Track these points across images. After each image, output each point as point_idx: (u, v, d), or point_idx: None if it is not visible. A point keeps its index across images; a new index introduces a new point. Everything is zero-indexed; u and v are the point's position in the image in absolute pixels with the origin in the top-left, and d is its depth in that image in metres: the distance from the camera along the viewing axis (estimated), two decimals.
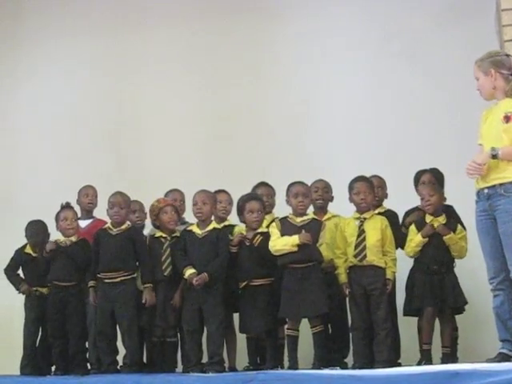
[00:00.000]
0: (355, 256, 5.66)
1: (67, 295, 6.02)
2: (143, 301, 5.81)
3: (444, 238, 5.72)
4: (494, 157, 4.78)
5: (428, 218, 5.82)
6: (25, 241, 6.41)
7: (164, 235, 6.02)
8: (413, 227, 5.86)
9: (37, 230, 6.34)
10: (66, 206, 6.22)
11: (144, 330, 5.93)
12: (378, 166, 6.57)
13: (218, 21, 7.86)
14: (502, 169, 4.79)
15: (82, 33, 8.06)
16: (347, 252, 5.71)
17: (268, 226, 5.76)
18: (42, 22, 8.20)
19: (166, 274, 5.90)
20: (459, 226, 5.81)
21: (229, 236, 5.90)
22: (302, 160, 7.27)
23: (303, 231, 5.47)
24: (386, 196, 6.26)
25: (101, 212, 6.39)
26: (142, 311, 5.86)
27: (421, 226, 5.81)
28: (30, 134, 8.07)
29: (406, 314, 5.91)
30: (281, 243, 5.51)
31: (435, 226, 5.74)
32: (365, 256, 5.63)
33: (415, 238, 5.79)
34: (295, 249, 5.44)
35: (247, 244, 5.77)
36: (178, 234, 6.03)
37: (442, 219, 5.80)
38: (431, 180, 6.09)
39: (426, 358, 5.62)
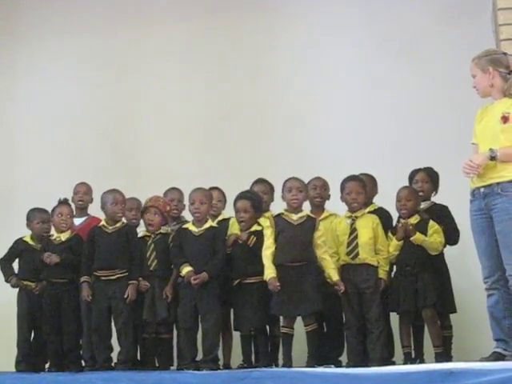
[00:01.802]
0: (347, 254, 5.64)
1: (62, 292, 6.00)
2: (125, 295, 5.78)
3: (411, 239, 5.66)
4: (493, 158, 4.74)
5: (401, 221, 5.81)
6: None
7: (148, 234, 6.04)
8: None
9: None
10: (63, 202, 6.24)
11: (138, 326, 5.91)
12: (378, 165, 6.56)
13: (218, 19, 7.85)
14: (500, 168, 4.74)
15: (81, 30, 8.03)
16: (339, 251, 5.70)
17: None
18: (41, 19, 8.19)
19: (151, 268, 5.91)
20: (431, 222, 5.73)
21: (225, 234, 5.90)
22: (301, 160, 7.23)
23: (272, 279, 5.42)
24: (375, 193, 6.20)
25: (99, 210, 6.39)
26: (137, 308, 5.85)
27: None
28: (28, 133, 8.06)
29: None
30: (265, 265, 5.48)
31: (402, 224, 5.70)
32: (357, 254, 5.62)
33: (392, 243, 5.75)
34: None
35: (240, 242, 5.77)
36: (162, 231, 6.05)
37: (413, 219, 5.76)
38: (424, 179, 6.07)
39: (408, 360, 5.61)
